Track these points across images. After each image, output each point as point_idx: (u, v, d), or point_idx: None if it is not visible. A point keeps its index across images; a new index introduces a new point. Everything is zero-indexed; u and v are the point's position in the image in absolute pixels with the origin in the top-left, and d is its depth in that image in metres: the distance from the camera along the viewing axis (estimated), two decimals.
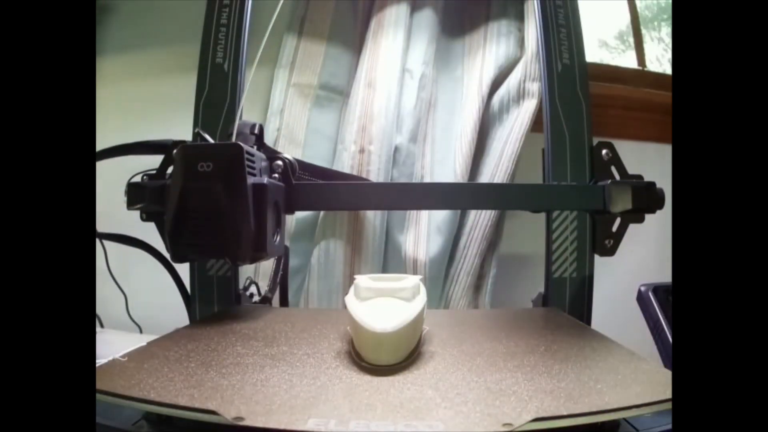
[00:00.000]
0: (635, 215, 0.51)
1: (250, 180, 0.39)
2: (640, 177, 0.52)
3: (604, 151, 0.53)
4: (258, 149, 0.45)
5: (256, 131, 0.47)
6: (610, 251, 0.52)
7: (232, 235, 0.38)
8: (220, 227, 0.38)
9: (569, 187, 0.52)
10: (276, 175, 0.47)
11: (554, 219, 0.52)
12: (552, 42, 0.55)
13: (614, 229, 0.52)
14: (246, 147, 0.39)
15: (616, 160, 0.53)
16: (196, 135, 0.51)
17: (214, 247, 0.38)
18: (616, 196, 0.49)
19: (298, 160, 0.51)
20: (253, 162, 0.40)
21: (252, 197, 0.38)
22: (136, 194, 0.46)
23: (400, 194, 0.53)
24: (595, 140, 0.54)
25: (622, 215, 0.51)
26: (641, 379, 0.28)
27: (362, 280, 0.36)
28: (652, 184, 0.50)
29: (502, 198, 0.54)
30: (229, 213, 0.38)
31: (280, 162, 0.48)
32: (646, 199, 0.50)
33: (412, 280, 0.36)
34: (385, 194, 0.53)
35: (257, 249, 0.39)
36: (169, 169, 0.48)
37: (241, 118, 0.48)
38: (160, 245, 0.56)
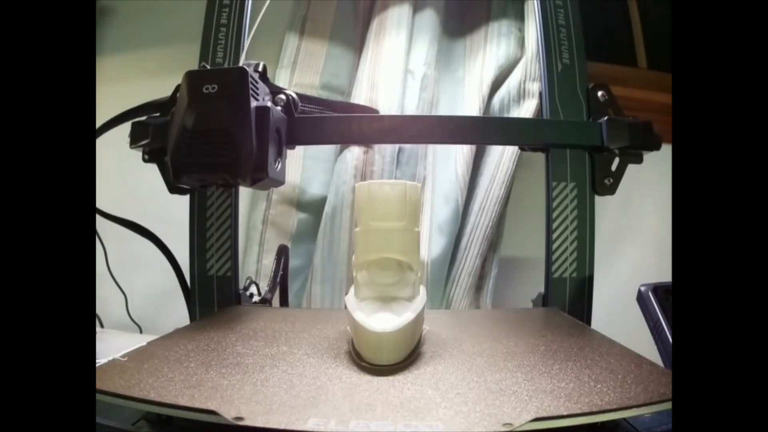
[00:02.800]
0: (634, 155, 0.51)
1: (254, 103, 0.39)
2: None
3: (600, 93, 0.53)
4: None
5: (260, 69, 0.47)
6: (610, 190, 0.52)
7: (233, 152, 0.38)
8: (222, 146, 0.38)
9: (568, 122, 0.53)
10: (279, 108, 0.47)
11: (554, 219, 0.52)
12: (552, 42, 0.55)
13: (613, 169, 0.52)
14: (250, 72, 0.40)
15: (612, 101, 0.53)
16: (201, 68, 0.51)
17: (216, 165, 0.39)
18: (613, 132, 0.50)
19: (304, 95, 0.52)
20: (257, 89, 0.41)
21: (254, 119, 0.39)
22: (140, 132, 0.47)
23: (402, 127, 0.52)
24: None
25: (621, 154, 0.51)
26: (641, 379, 0.28)
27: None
28: (649, 123, 0.51)
29: (503, 133, 0.53)
30: (231, 132, 0.38)
31: (282, 96, 0.48)
32: (643, 135, 0.50)
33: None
34: (387, 127, 0.52)
35: (258, 169, 0.39)
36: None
37: None
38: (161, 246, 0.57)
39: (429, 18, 0.82)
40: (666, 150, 0.45)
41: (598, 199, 0.53)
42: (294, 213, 0.80)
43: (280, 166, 0.44)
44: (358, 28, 0.86)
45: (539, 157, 0.56)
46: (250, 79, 0.39)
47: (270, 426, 0.22)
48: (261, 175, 0.40)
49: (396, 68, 0.77)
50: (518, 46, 0.81)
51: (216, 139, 0.38)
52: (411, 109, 0.77)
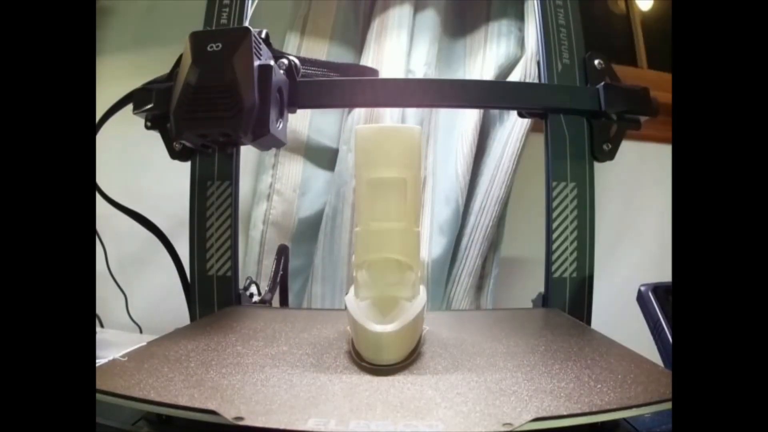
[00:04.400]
0: (632, 121, 0.52)
1: (256, 62, 0.40)
2: None
3: (596, 61, 0.54)
4: None
5: (263, 36, 0.48)
6: (609, 155, 0.52)
7: (236, 107, 0.39)
8: (225, 101, 0.39)
9: (567, 87, 0.53)
10: (282, 71, 0.48)
11: (554, 219, 0.52)
12: (552, 42, 0.55)
13: (612, 135, 0.53)
14: (254, 32, 0.41)
15: (609, 69, 0.54)
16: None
17: (218, 120, 0.39)
18: (611, 97, 0.50)
19: (305, 58, 0.53)
20: (260, 50, 0.42)
21: (257, 77, 0.40)
22: (143, 98, 0.48)
23: (402, 90, 0.52)
24: None
25: (619, 120, 0.52)
26: (641, 379, 0.28)
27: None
28: (646, 89, 0.51)
29: (502, 96, 0.54)
30: (234, 87, 0.39)
31: (285, 60, 0.49)
32: (640, 100, 0.51)
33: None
34: (389, 91, 0.52)
35: (259, 124, 0.40)
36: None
37: None
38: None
39: (429, 18, 0.82)
40: (666, 150, 0.45)
41: (598, 199, 0.53)
42: (294, 213, 0.80)
43: (281, 125, 0.45)
44: (359, 29, 0.86)
45: (539, 157, 0.56)
46: (253, 39, 0.40)
47: (270, 426, 0.22)
48: (262, 131, 0.41)
49: (397, 68, 0.77)
50: (518, 45, 0.81)
51: (219, 95, 0.39)
52: (412, 110, 0.77)
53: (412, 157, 0.35)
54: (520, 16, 0.82)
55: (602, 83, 0.51)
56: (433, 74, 0.80)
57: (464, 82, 0.53)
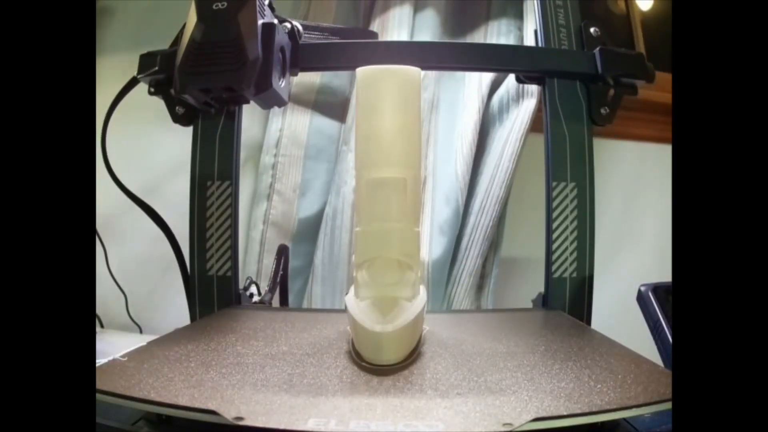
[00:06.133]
0: (628, 86, 0.53)
1: (260, 20, 0.42)
2: None
3: (592, 29, 0.55)
4: None
5: (267, 1, 0.49)
6: (608, 118, 0.53)
7: (240, 60, 0.40)
8: (229, 56, 0.41)
9: (564, 51, 0.54)
10: (284, 33, 0.49)
11: (554, 219, 0.52)
12: (552, 42, 0.55)
13: (609, 100, 0.54)
14: None
15: (605, 37, 0.55)
16: None
17: (221, 74, 0.41)
18: (607, 61, 0.51)
19: (307, 23, 0.54)
20: (264, 10, 0.43)
21: (261, 35, 0.42)
22: (148, 62, 0.49)
23: (401, 53, 0.53)
24: (595, 140, 0.54)
25: (616, 85, 0.52)
26: (641, 379, 0.28)
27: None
28: (642, 54, 0.53)
29: (500, 59, 0.55)
30: (238, 43, 0.41)
31: (287, 24, 0.50)
32: (636, 64, 0.52)
33: None
34: (388, 53, 0.53)
35: (262, 79, 0.42)
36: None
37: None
38: (166, 247, 0.56)
39: (429, 18, 0.82)
40: (666, 150, 0.45)
41: (598, 199, 0.53)
42: (294, 213, 0.80)
43: (284, 83, 0.47)
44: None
45: (539, 157, 0.56)
46: (258, 0, 0.42)
47: (270, 426, 0.22)
48: (265, 84, 0.42)
49: None
50: (518, 45, 0.81)
51: (223, 50, 0.41)
52: None
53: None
54: (519, 16, 0.82)
55: (598, 48, 0.52)
56: (432, 74, 0.81)
57: (464, 44, 0.55)
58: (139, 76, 0.50)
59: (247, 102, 0.49)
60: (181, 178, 0.54)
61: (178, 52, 0.42)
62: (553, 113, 0.53)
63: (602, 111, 0.53)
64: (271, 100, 0.45)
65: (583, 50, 0.54)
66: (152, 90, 0.51)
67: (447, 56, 0.54)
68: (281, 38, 0.46)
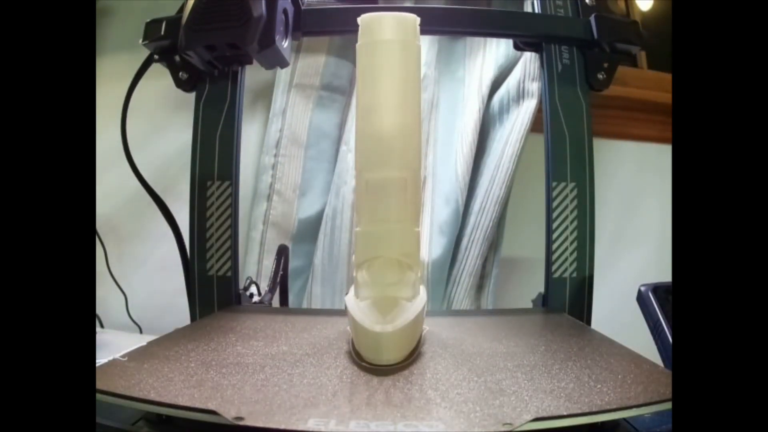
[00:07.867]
0: (624, 53, 0.54)
1: None
2: None
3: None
4: None
5: None
6: (605, 83, 0.55)
7: (244, 16, 0.43)
8: (233, 14, 0.43)
9: (560, 17, 0.56)
10: None
11: (554, 219, 0.52)
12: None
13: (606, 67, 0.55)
14: None
15: (600, 5, 0.56)
16: None
17: (226, 29, 0.43)
18: (602, 27, 0.53)
19: None
20: None
21: None
22: (153, 29, 0.50)
23: None
24: (595, 140, 0.54)
25: (612, 52, 0.54)
26: (641, 379, 0.28)
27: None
28: (636, 22, 0.55)
29: (496, 24, 0.57)
30: (243, 1, 0.43)
31: None
32: (630, 31, 0.54)
33: None
34: None
35: (265, 36, 0.44)
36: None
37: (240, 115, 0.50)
38: (165, 248, 0.56)
39: None
40: (666, 150, 0.45)
41: (598, 199, 0.53)
42: (294, 213, 0.80)
43: (287, 44, 0.48)
44: None
45: (539, 158, 0.56)
46: None
47: (270, 426, 0.22)
48: (268, 41, 0.44)
49: None
50: None
51: (228, 8, 0.43)
52: None
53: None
54: None
55: (594, 14, 0.54)
56: (432, 74, 0.80)
57: (464, 9, 0.56)
58: (144, 43, 0.51)
59: (250, 62, 0.50)
60: (180, 178, 0.54)
61: (183, 13, 0.44)
62: (550, 80, 0.54)
63: (599, 76, 0.54)
64: (273, 59, 0.46)
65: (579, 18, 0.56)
66: (156, 57, 0.52)
67: (447, 20, 0.55)
68: (284, 1, 0.48)
